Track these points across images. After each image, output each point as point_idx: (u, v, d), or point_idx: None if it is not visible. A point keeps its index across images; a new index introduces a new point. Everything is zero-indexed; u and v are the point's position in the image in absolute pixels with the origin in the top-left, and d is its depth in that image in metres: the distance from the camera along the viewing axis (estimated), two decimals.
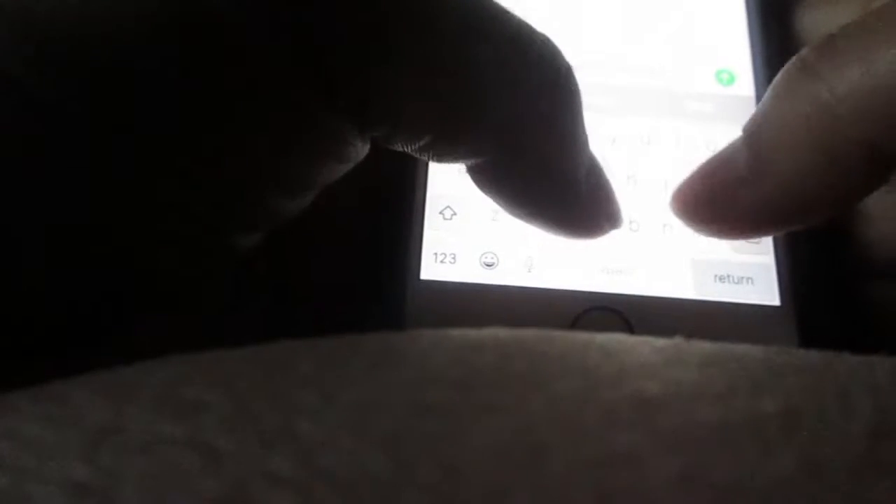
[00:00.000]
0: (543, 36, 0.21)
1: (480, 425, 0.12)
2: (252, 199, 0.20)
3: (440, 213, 0.26)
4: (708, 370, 0.14)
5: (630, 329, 0.24)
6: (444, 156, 0.21)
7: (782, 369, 0.14)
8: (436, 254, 0.25)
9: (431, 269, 0.25)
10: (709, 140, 0.28)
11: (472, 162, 0.21)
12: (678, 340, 0.15)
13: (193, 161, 0.18)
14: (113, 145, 0.18)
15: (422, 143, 0.20)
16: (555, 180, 0.22)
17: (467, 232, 0.26)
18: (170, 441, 0.12)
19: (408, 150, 0.21)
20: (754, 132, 0.21)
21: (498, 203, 0.22)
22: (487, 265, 0.25)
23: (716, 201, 0.22)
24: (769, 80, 0.28)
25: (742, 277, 0.25)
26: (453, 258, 0.25)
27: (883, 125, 0.19)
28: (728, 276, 0.25)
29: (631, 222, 0.26)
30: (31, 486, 0.11)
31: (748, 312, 0.25)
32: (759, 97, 0.28)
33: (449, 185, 0.26)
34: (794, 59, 0.21)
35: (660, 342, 0.15)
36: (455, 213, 0.26)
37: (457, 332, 0.15)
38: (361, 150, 0.21)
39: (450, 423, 0.12)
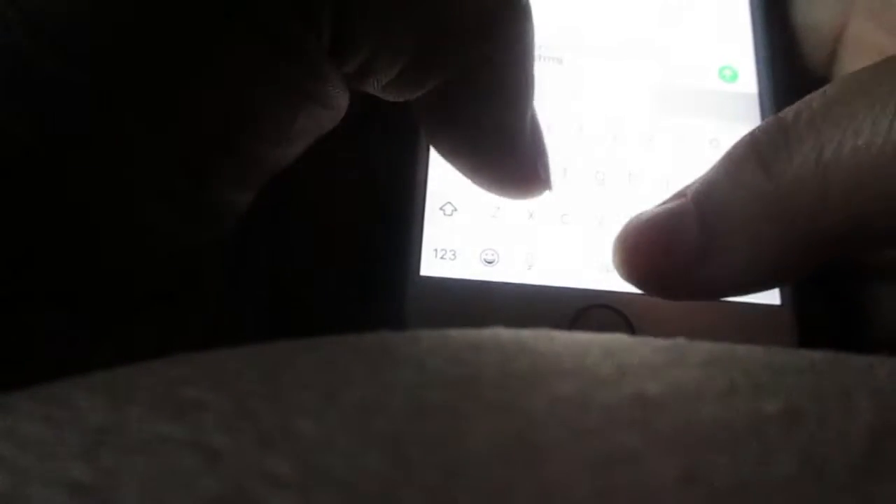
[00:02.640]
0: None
1: (481, 425, 0.12)
2: (235, 147, 0.20)
3: (440, 208, 0.26)
4: (708, 370, 0.14)
5: (630, 327, 0.24)
6: (409, 89, 0.21)
7: (783, 369, 0.14)
8: (436, 250, 0.25)
9: (432, 265, 0.25)
10: (711, 137, 0.28)
11: (431, 98, 0.22)
12: (679, 340, 0.15)
13: (170, 107, 0.18)
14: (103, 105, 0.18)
15: (393, 74, 0.21)
16: (505, 123, 0.22)
17: (468, 228, 0.26)
18: (169, 441, 0.12)
19: (376, 87, 0.21)
20: (703, 200, 0.21)
21: (441, 148, 0.23)
22: (488, 262, 0.25)
23: (669, 272, 0.22)
24: (772, 76, 0.28)
25: None
26: (453, 255, 0.25)
27: (835, 220, 0.19)
28: None
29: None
30: (30, 487, 0.11)
31: (748, 312, 0.25)
32: (761, 94, 0.28)
33: (449, 181, 0.26)
34: (746, 136, 0.21)
35: (660, 342, 0.15)
36: (455, 209, 0.26)
37: (457, 332, 0.15)
38: (341, 95, 0.21)
39: (450, 424, 0.12)
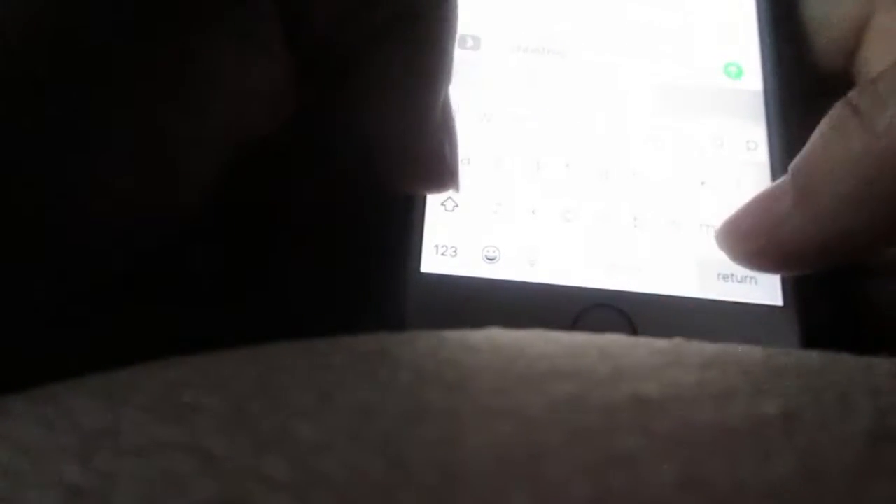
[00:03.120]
0: None
1: (478, 427, 0.12)
2: (185, 98, 0.19)
3: (441, 204, 0.26)
4: (707, 372, 0.14)
5: (632, 327, 0.24)
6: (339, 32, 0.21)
7: (782, 371, 0.14)
8: (437, 246, 0.25)
9: (432, 261, 0.25)
10: (716, 134, 0.27)
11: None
12: (678, 341, 0.15)
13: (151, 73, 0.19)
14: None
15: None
16: (416, 101, 0.22)
17: (469, 224, 0.26)
18: (165, 444, 0.12)
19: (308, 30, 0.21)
20: (801, 170, 0.22)
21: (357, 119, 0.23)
22: (489, 259, 0.25)
23: (761, 235, 0.23)
24: (778, 73, 0.28)
25: (745, 277, 0.25)
26: (454, 251, 0.25)
27: None
28: (731, 275, 0.25)
29: (635, 218, 0.26)
30: (26, 490, 0.11)
31: (751, 312, 0.25)
32: (767, 91, 0.28)
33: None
34: (841, 101, 0.21)
35: (659, 343, 0.15)
36: (457, 205, 0.26)
37: (453, 334, 0.15)
38: (280, 46, 0.21)
39: (447, 426, 0.12)
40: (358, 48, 0.21)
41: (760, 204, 0.23)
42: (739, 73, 0.29)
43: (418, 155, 0.23)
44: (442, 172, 0.24)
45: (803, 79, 0.24)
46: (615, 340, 0.15)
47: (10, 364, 0.17)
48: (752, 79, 0.29)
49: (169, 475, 0.11)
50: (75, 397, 0.13)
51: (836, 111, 0.21)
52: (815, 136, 0.22)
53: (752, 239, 0.23)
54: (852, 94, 0.21)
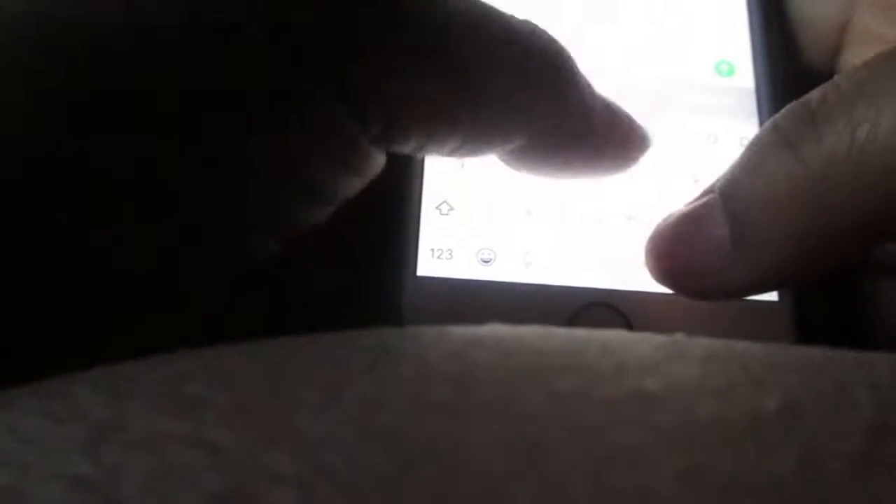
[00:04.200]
0: (530, 25, 0.22)
1: (480, 422, 0.12)
2: (279, 209, 0.20)
3: (437, 208, 0.26)
4: (708, 367, 0.14)
5: (628, 325, 0.24)
6: (478, 152, 0.22)
7: (782, 366, 0.14)
8: (432, 250, 0.25)
9: (428, 265, 0.25)
10: (709, 131, 0.28)
11: (504, 150, 0.22)
12: (678, 337, 0.15)
13: (231, 170, 0.19)
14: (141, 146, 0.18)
15: (453, 146, 0.21)
16: (578, 136, 0.22)
17: (464, 227, 0.26)
18: (171, 437, 0.12)
19: (440, 153, 0.22)
20: (731, 194, 0.21)
21: (535, 174, 0.23)
22: (485, 261, 0.25)
23: (702, 274, 0.22)
24: (769, 71, 0.29)
25: None
26: (450, 254, 0.25)
27: (870, 201, 0.19)
28: None
29: (629, 217, 0.26)
30: (32, 482, 0.11)
31: (746, 309, 0.25)
32: (758, 88, 0.28)
33: (445, 180, 0.26)
34: (768, 124, 0.20)
35: (659, 339, 0.15)
36: (452, 209, 0.26)
37: (456, 329, 0.16)
38: (380, 162, 0.21)
39: (450, 420, 0.12)
40: None
41: (695, 235, 0.22)
42: (731, 71, 0.29)
43: (601, 156, 0.23)
44: (630, 148, 0.24)
45: (795, 76, 0.24)
46: (616, 335, 0.15)
47: (15, 358, 0.17)
48: (744, 76, 0.29)
49: (174, 468, 0.11)
50: (81, 390, 0.13)
51: (764, 138, 0.20)
52: (742, 160, 0.21)
53: (696, 277, 0.22)
54: (782, 118, 0.20)
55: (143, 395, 0.13)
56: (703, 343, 0.15)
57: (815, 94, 0.20)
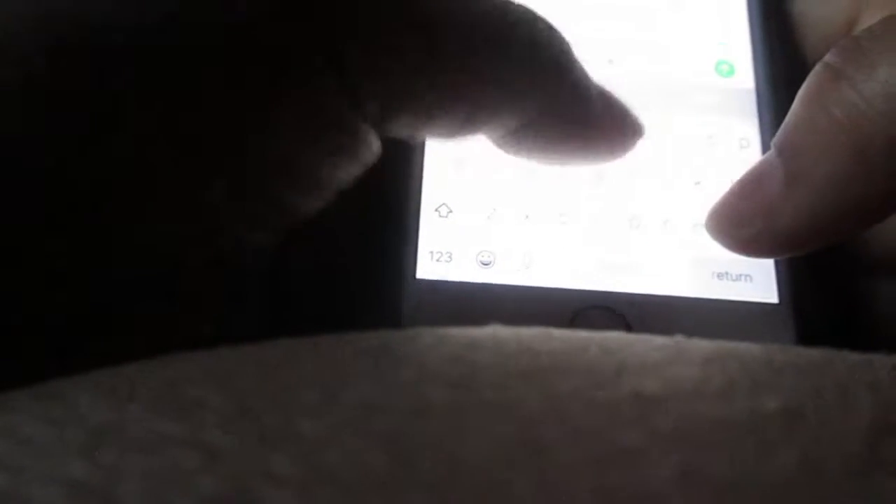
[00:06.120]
0: (530, 10, 0.22)
1: (481, 424, 0.12)
2: (272, 197, 0.20)
3: (436, 210, 0.26)
4: (708, 368, 0.14)
5: (628, 327, 0.24)
6: (471, 134, 0.22)
7: (782, 367, 0.14)
8: (432, 252, 0.25)
9: (428, 267, 0.25)
10: (709, 133, 0.28)
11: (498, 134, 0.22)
12: (678, 338, 0.15)
13: (219, 158, 0.19)
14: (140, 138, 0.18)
15: (447, 129, 0.21)
16: (572, 120, 0.23)
17: (463, 230, 0.26)
18: (170, 440, 0.12)
19: (436, 135, 0.22)
20: (786, 143, 0.21)
21: (528, 157, 0.23)
22: (484, 264, 0.25)
23: (754, 220, 0.22)
24: (769, 71, 0.28)
25: (740, 275, 0.25)
26: (449, 257, 0.25)
27: None
28: (726, 273, 0.25)
29: (629, 219, 0.26)
30: (30, 486, 0.11)
31: (747, 310, 0.25)
32: (758, 89, 0.28)
33: (445, 182, 0.26)
34: (819, 64, 0.20)
35: (659, 340, 0.15)
36: (451, 211, 0.26)
37: (456, 331, 0.16)
38: (376, 147, 0.21)
39: (450, 422, 0.12)
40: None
41: (750, 186, 0.22)
42: (731, 71, 0.29)
43: (597, 141, 0.24)
44: (622, 138, 0.24)
45: (795, 76, 0.24)
46: (616, 337, 0.15)
47: (14, 360, 0.17)
48: (744, 77, 0.29)
49: (173, 471, 0.11)
50: (80, 393, 0.13)
51: (817, 77, 0.20)
52: (796, 106, 0.21)
53: (746, 225, 0.22)
54: (831, 56, 0.20)
55: (141, 398, 0.13)
56: (702, 345, 0.15)
57: (861, 32, 0.20)
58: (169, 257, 0.19)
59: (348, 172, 0.21)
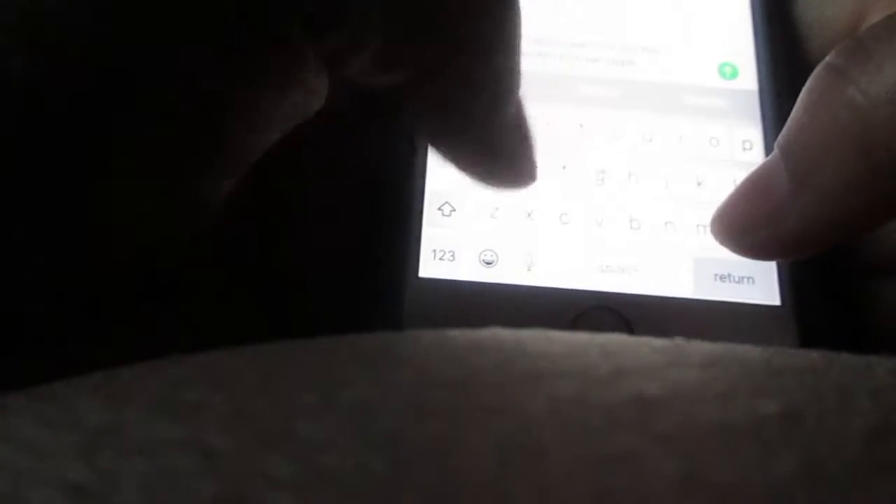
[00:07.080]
0: None
1: (480, 426, 0.12)
2: (217, 132, 0.19)
3: (439, 209, 0.26)
4: (708, 371, 0.14)
5: (629, 328, 0.24)
6: (390, 72, 0.20)
7: (782, 370, 0.14)
8: (434, 251, 0.25)
9: (430, 266, 0.25)
10: (711, 135, 0.27)
11: (413, 88, 0.21)
12: (678, 341, 0.15)
13: (151, 98, 0.18)
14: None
15: (370, 58, 0.20)
16: (486, 113, 0.21)
17: (466, 229, 0.26)
18: (168, 442, 0.12)
19: (354, 70, 0.20)
20: (790, 145, 0.21)
21: (424, 130, 0.22)
22: (487, 263, 0.25)
23: (759, 224, 0.21)
24: (773, 73, 0.28)
25: (742, 277, 0.25)
26: (452, 256, 0.25)
27: None
28: (728, 275, 0.25)
29: (632, 220, 0.26)
30: (27, 488, 0.11)
31: (748, 312, 0.25)
32: (762, 91, 0.28)
33: (448, 181, 0.26)
34: (822, 65, 0.20)
35: (660, 342, 0.15)
36: (454, 210, 0.26)
37: (456, 333, 0.15)
38: (320, 78, 0.20)
39: (449, 424, 0.12)
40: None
41: (754, 189, 0.22)
42: (734, 73, 0.29)
43: (498, 166, 0.23)
44: (520, 175, 0.23)
45: (798, 78, 0.23)
46: (616, 340, 0.15)
47: (12, 362, 0.17)
48: (747, 79, 0.29)
49: (171, 473, 0.11)
50: (78, 395, 0.13)
51: (820, 78, 0.20)
52: (799, 108, 0.20)
53: (751, 229, 0.21)
54: (834, 56, 0.20)
55: (140, 400, 0.13)
56: (702, 347, 0.15)
57: (864, 32, 0.19)
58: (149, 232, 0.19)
59: (298, 105, 0.20)
